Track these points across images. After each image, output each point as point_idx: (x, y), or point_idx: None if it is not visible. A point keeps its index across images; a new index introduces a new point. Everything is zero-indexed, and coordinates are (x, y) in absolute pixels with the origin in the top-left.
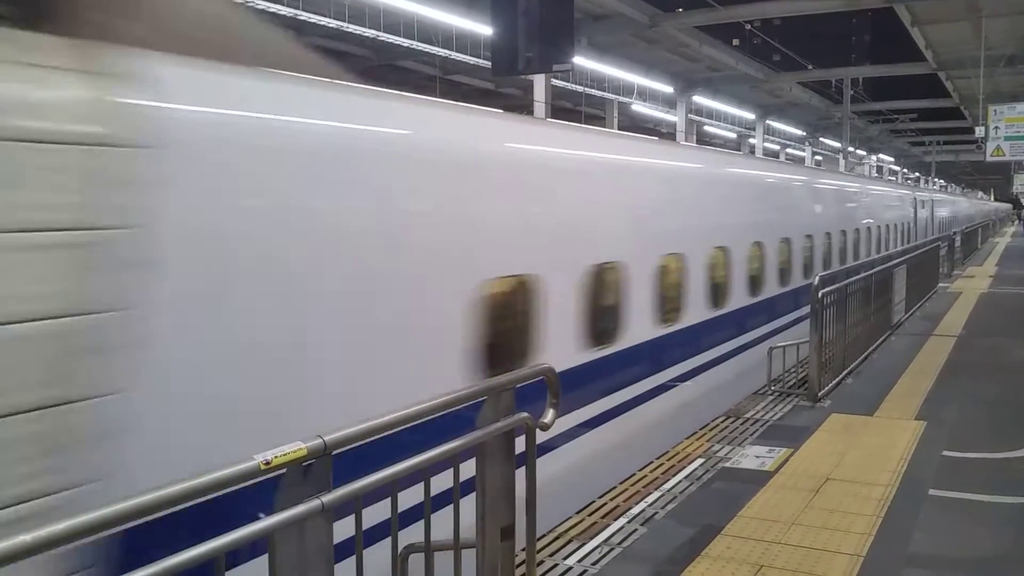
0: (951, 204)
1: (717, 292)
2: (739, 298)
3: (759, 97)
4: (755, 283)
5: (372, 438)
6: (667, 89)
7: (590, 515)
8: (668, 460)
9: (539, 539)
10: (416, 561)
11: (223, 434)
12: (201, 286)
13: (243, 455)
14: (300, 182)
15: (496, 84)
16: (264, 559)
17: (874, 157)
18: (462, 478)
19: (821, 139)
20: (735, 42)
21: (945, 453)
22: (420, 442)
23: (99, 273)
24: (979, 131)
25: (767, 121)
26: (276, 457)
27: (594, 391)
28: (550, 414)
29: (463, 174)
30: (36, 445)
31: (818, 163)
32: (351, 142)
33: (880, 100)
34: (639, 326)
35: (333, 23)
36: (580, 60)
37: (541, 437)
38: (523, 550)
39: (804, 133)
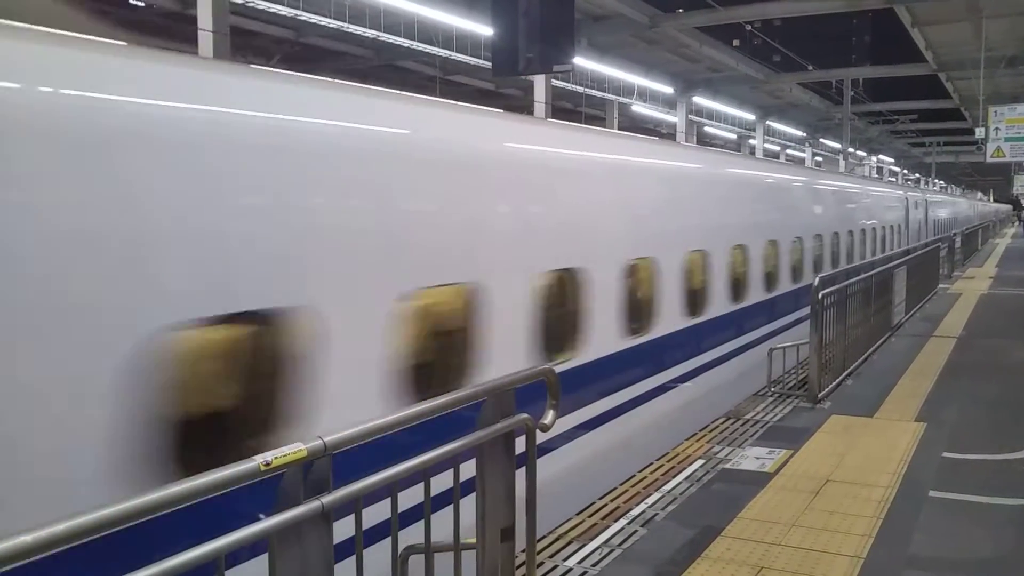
0: (948, 205)
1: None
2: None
3: (759, 98)
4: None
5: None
6: (667, 90)
7: (590, 516)
8: (668, 461)
9: (539, 540)
10: (416, 562)
11: None
12: None
13: None
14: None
15: (496, 85)
16: (264, 559)
17: (874, 158)
18: (462, 479)
19: (821, 140)
20: (735, 43)
21: (945, 454)
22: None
23: None
24: (979, 132)
25: (767, 122)
26: (276, 458)
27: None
28: (550, 415)
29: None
30: None
31: (818, 164)
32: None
33: (880, 101)
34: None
35: (333, 23)
36: (580, 61)
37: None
38: (523, 551)
39: (804, 134)
